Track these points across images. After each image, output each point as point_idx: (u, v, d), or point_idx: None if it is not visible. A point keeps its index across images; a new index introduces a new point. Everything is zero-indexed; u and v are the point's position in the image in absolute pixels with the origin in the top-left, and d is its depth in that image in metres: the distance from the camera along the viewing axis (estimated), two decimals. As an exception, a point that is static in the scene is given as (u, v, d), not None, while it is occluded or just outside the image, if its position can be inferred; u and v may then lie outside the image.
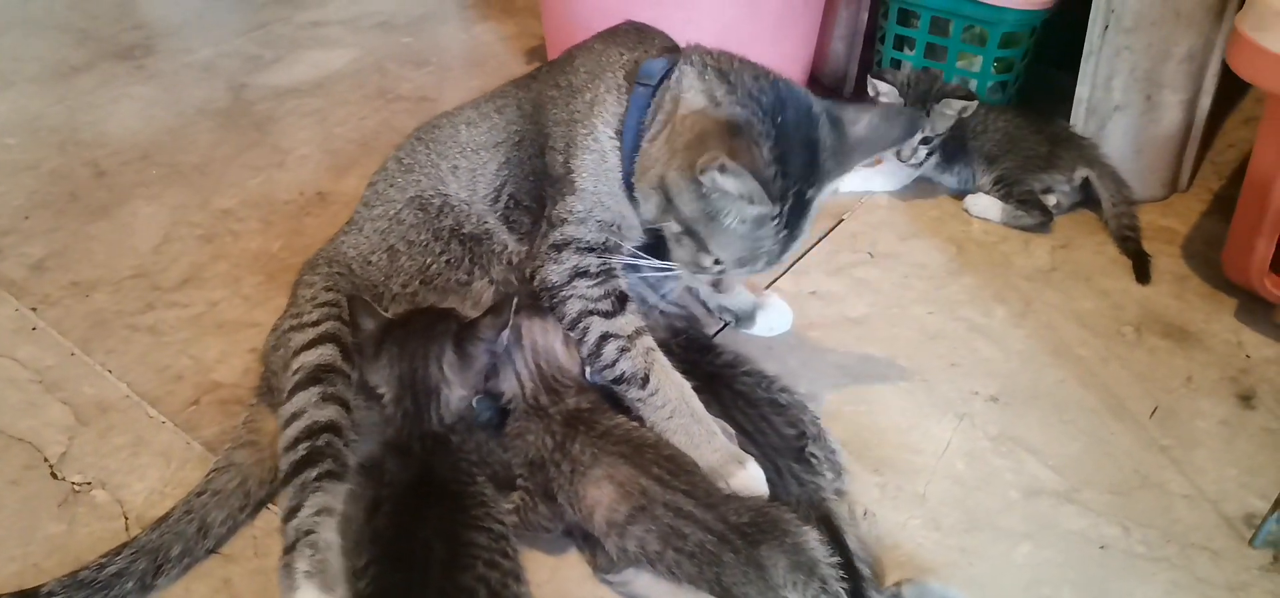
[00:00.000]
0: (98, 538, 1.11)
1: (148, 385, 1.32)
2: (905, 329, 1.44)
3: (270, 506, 1.14)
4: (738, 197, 1.01)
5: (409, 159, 1.32)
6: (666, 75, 1.14)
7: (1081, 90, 1.68)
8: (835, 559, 0.98)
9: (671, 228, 1.10)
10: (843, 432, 1.20)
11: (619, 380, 1.13)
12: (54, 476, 1.19)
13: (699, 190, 1.04)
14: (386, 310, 1.17)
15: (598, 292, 1.14)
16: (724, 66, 1.09)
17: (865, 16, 1.97)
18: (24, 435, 1.24)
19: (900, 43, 1.89)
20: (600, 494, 1.04)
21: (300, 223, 1.64)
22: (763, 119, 1.03)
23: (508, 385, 1.14)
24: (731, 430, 1.12)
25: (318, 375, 1.10)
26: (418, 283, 1.22)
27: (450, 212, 1.26)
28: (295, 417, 1.07)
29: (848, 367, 1.37)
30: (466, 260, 1.23)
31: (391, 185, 1.30)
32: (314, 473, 1.02)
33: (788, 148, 1.03)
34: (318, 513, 0.99)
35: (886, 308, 1.48)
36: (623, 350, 1.13)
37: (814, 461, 1.11)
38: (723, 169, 0.98)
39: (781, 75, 1.10)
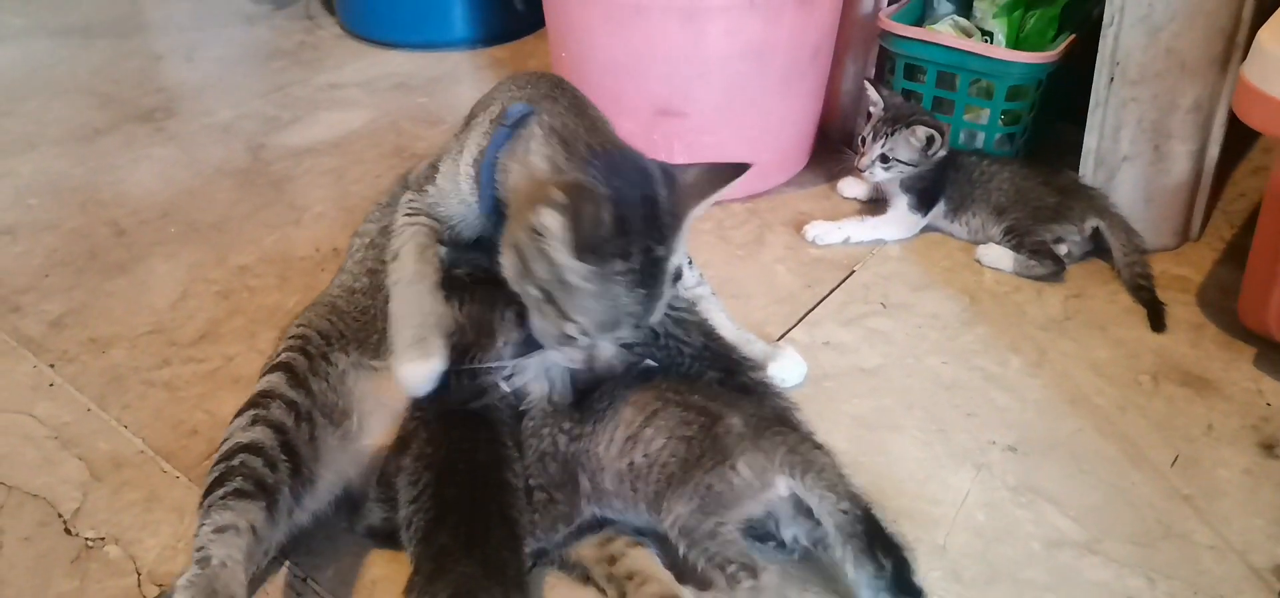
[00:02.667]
0: (110, 595, 1.11)
1: (162, 440, 1.32)
2: (920, 380, 1.44)
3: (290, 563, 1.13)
4: (563, 243, 1.01)
5: (387, 199, 1.44)
6: (523, 121, 1.19)
7: (1089, 141, 1.69)
8: (839, 471, 1.03)
9: (531, 293, 1.10)
10: (860, 483, 1.18)
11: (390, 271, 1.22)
12: (67, 531, 1.19)
13: (542, 250, 1.04)
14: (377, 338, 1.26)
15: (411, 215, 1.27)
16: (567, 133, 1.14)
17: (872, 71, 2.00)
18: (39, 492, 1.25)
19: (907, 97, 1.92)
20: (619, 418, 1.11)
21: (316, 279, 1.66)
22: (600, 182, 1.05)
23: (536, 386, 1.17)
24: (443, 332, 1.14)
25: (255, 401, 1.12)
26: None
27: None
28: (223, 443, 1.09)
29: (863, 417, 1.36)
30: None
31: (370, 222, 1.42)
32: (220, 493, 1.02)
33: (627, 208, 1.04)
34: (216, 531, 0.98)
35: (901, 358, 1.48)
36: (396, 234, 1.24)
37: None
38: (552, 204, 0.99)
39: (618, 141, 1.18)
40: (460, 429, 1.12)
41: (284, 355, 1.19)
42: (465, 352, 1.16)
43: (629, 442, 1.10)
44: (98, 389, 1.42)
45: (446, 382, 1.14)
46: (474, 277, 1.24)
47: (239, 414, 1.12)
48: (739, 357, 1.26)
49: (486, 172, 1.20)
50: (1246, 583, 1.12)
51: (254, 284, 1.67)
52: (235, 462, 1.05)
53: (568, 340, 1.10)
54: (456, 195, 1.25)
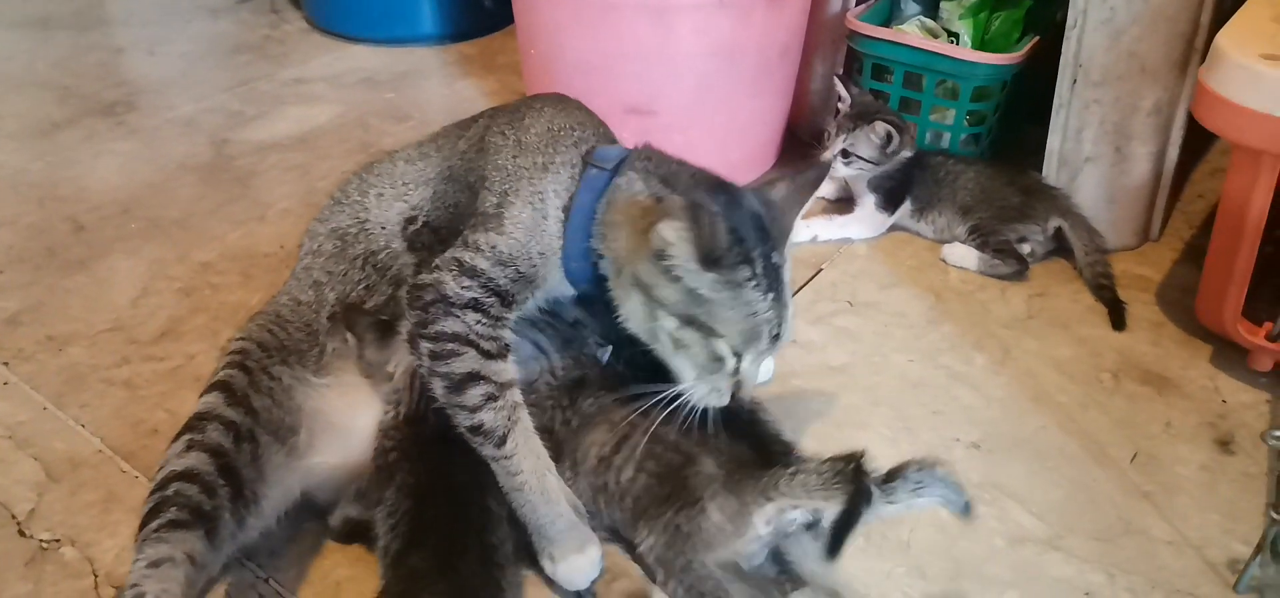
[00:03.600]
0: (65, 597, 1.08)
1: (121, 440, 1.30)
2: (886, 377, 1.45)
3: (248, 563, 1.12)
4: (685, 243, 1.01)
5: (340, 193, 1.34)
6: (619, 166, 1.16)
7: (1052, 142, 1.71)
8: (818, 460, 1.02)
9: (667, 327, 1.08)
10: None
11: (476, 430, 1.05)
12: (21, 533, 1.17)
13: (665, 268, 1.04)
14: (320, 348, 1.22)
15: (485, 329, 1.08)
16: (664, 171, 1.14)
17: (841, 71, 2.01)
18: (-8, 493, 1.22)
19: (876, 97, 1.93)
20: (595, 436, 1.10)
21: (280, 276, 1.62)
22: (709, 200, 1.06)
23: (535, 362, 1.17)
24: (582, 509, 1.11)
25: (191, 424, 1.09)
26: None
27: (364, 237, 1.27)
28: (158, 471, 1.06)
29: (830, 415, 1.37)
30: (383, 285, 1.24)
31: (321, 222, 1.32)
32: (154, 525, 0.99)
33: (738, 221, 1.06)
34: (150, 566, 0.96)
35: (867, 356, 1.49)
36: (489, 398, 1.05)
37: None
38: (669, 218, 1.01)
39: (713, 173, 1.17)
40: (440, 454, 1.09)
41: (222, 373, 1.14)
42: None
43: (601, 463, 1.10)
44: (55, 388, 1.39)
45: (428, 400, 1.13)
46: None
47: (175, 440, 1.08)
48: None
49: (582, 218, 1.13)
50: (1202, 577, 1.14)
51: (217, 281, 1.64)
52: (169, 492, 1.01)
53: (716, 367, 1.07)
54: (539, 244, 1.13)
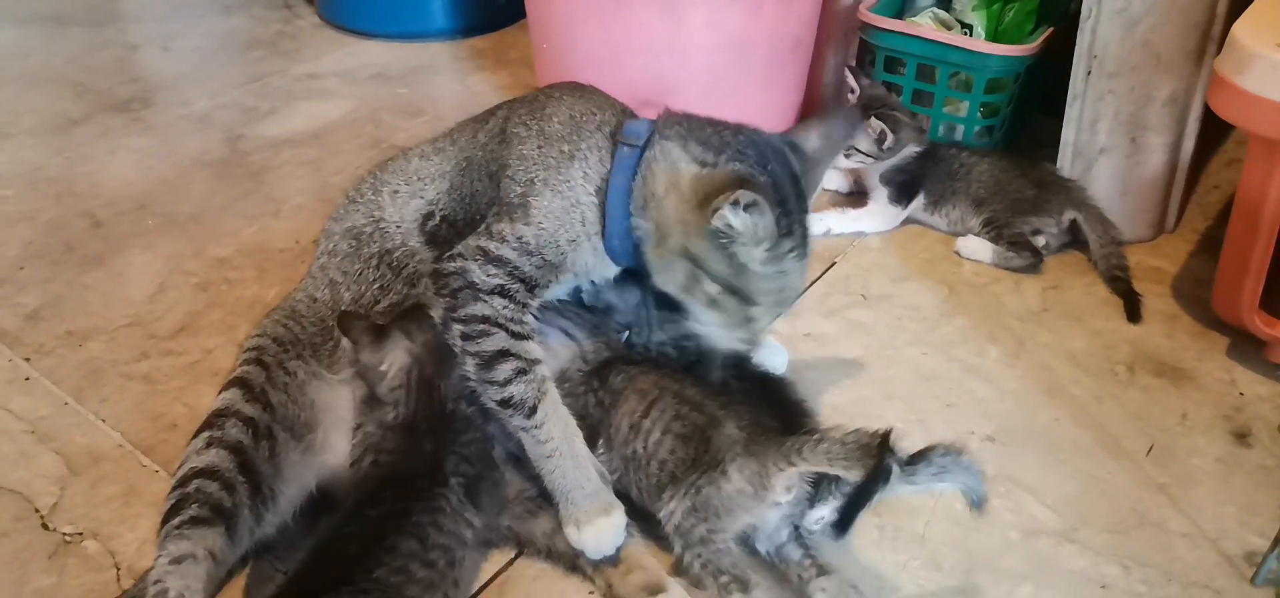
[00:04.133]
0: (88, 590, 1.10)
1: (141, 434, 1.31)
2: (900, 370, 1.45)
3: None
4: (756, 233, 1.05)
5: (355, 192, 1.34)
6: (649, 139, 1.15)
7: (1067, 134, 1.71)
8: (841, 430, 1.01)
9: (706, 294, 1.10)
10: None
11: (506, 403, 1.08)
12: (45, 527, 1.18)
13: (721, 244, 1.07)
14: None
15: (511, 312, 1.10)
16: (701, 134, 1.13)
17: (853, 63, 2.00)
18: (14, 487, 1.23)
19: (888, 90, 1.92)
20: (626, 407, 1.13)
21: (295, 271, 1.64)
22: (757, 168, 1.08)
23: (565, 350, 1.18)
24: (608, 476, 1.13)
25: (210, 421, 1.10)
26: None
27: (379, 236, 1.27)
28: (179, 467, 1.07)
29: (843, 408, 1.37)
30: (398, 284, 1.24)
31: (337, 221, 1.33)
32: (176, 522, 1.01)
33: (782, 187, 1.08)
34: (173, 562, 0.97)
35: (881, 349, 1.49)
36: (520, 373, 1.08)
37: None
38: (737, 204, 1.02)
39: (746, 125, 1.15)
40: (367, 495, 1.06)
41: (240, 370, 1.16)
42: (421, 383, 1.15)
43: (632, 431, 1.13)
44: (75, 383, 1.41)
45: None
46: (403, 315, 1.20)
47: (195, 436, 1.09)
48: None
49: (620, 197, 1.12)
50: (1218, 570, 1.13)
51: (233, 276, 1.65)
52: (190, 488, 1.03)
53: (744, 327, 1.12)
54: (568, 232, 1.13)
